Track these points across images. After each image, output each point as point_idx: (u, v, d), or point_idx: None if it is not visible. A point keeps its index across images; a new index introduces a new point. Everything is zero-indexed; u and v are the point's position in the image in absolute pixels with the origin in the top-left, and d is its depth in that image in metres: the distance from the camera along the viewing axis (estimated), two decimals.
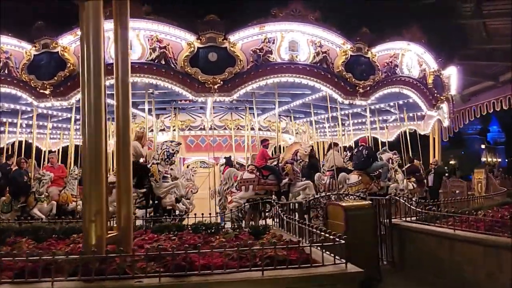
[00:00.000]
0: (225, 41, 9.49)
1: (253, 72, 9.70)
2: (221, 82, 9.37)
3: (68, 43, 9.83)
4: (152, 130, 13.18)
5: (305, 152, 11.13)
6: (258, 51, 9.67)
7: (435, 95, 12.87)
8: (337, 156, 12.38)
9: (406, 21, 11.76)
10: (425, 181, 15.91)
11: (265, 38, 9.75)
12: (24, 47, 10.07)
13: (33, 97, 10.12)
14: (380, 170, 12.19)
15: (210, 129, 13.80)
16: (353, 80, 10.50)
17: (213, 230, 6.15)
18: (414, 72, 12.02)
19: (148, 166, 9.98)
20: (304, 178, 11.00)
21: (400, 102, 13.44)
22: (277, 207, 7.60)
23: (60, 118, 13.97)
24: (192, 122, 14.59)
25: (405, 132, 15.19)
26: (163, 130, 14.42)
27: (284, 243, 4.35)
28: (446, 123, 16.15)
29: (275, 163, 10.80)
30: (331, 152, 12.91)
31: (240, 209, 9.27)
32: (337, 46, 10.50)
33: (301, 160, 11.10)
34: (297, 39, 10.01)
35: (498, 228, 6.25)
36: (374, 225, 7.67)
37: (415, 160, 15.95)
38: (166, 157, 10.09)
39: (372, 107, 13.83)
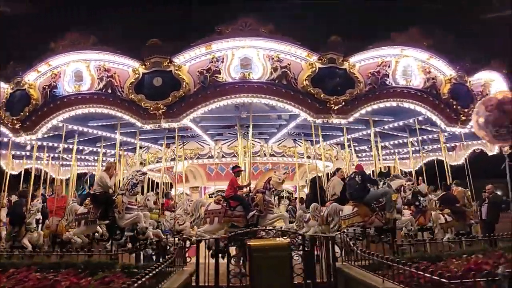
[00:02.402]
0: (170, 64, 9.01)
1: (201, 95, 8.99)
2: (165, 108, 8.83)
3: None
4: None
5: (279, 180, 9.86)
6: (205, 71, 8.97)
7: (455, 107, 10.56)
8: (339, 184, 10.79)
9: (401, 24, 9.97)
10: (479, 213, 13.11)
11: (213, 57, 9.02)
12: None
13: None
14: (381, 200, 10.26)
15: (223, 157, 13.42)
16: (322, 96, 9.09)
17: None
18: (415, 81, 10.03)
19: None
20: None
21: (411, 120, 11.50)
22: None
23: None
24: (200, 150, 14.27)
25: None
26: (173, 159, 14.32)
27: None
28: (495, 150, 14.21)
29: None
30: (334, 178, 11.40)
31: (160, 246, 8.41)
32: (301, 59, 9.26)
33: (273, 189, 9.86)
34: (250, 55, 9.07)
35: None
36: (290, 268, 6.18)
37: (455, 188, 13.28)
38: (130, 187, 9.81)
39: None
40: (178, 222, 11.63)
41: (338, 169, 11.97)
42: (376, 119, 12.69)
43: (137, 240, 9.42)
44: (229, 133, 14.05)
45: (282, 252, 6.06)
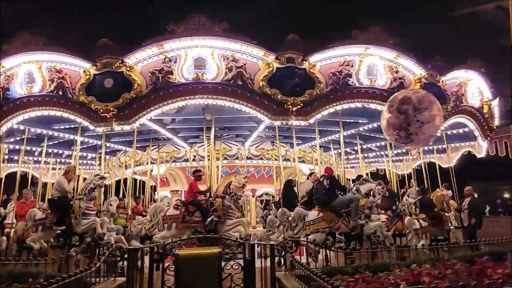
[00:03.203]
0: (121, 65, 8.70)
1: (153, 96, 8.67)
2: (115, 110, 8.53)
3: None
4: (186, 160, 13.01)
5: (239, 184, 9.51)
6: (157, 72, 8.64)
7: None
8: (309, 188, 10.42)
9: (367, 23, 9.57)
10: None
11: (166, 57, 8.69)
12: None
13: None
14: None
15: (248, 158, 13.12)
16: (279, 96, 8.72)
17: None
18: (381, 81, 9.63)
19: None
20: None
21: None
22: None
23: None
24: (228, 151, 13.81)
25: None
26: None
27: None
28: (483, 152, 14.50)
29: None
30: (305, 182, 11.08)
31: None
32: (258, 58, 8.90)
33: (233, 194, 9.51)
34: (204, 55, 8.74)
35: None
36: (218, 280, 5.80)
37: (444, 191, 12.96)
38: (87, 192, 9.54)
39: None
40: (144, 227, 11.30)
41: (311, 173, 11.63)
42: (352, 121, 12.34)
43: (98, 247, 9.13)
44: (207, 136, 13.69)
45: (210, 262, 5.70)
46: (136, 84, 8.61)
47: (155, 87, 8.62)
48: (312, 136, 13.88)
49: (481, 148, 16.30)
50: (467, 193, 12.78)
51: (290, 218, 10.18)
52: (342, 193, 9.73)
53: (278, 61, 8.85)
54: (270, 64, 8.80)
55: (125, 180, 15.57)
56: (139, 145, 14.37)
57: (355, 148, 15.18)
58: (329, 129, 12.96)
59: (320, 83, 8.99)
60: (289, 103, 8.66)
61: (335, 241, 9.99)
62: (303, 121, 9.05)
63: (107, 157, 15.65)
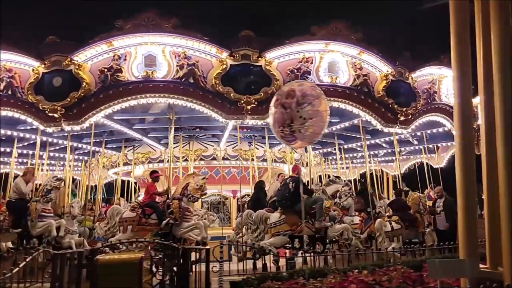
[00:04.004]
0: (70, 63, 8.45)
1: (102, 95, 8.39)
2: (63, 110, 8.27)
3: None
4: (159, 161, 12.69)
5: (196, 185, 9.22)
6: (106, 70, 8.37)
7: (391, 106, 9.85)
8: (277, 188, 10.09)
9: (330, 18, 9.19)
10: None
11: (115, 55, 8.42)
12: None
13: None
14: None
15: (224, 159, 12.83)
16: (232, 95, 8.41)
17: None
18: (343, 78, 9.24)
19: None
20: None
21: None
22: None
23: None
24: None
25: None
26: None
27: None
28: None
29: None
30: (274, 183, 10.76)
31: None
32: (212, 56, 8.60)
33: (191, 196, 9.21)
34: (155, 52, 8.44)
35: None
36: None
37: (411, 193, 12.48)
38: (44, 194, 9.35)
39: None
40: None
41: (279, 174, 11.32)
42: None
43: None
44: (183, 136, 13.41)
45: (130, 269, 5.38)
46: (84, 83, 8.34)
47: (104, 85, 8.35)
48: None
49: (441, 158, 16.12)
50: (438, 194, 12.39)
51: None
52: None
53: (232, 58, 8.53)
54: (223, 61, 8.49)
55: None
56: (114, 146, 14.16)
57: (340, 147, 14.87)
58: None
59: (277, 81, 8.65)
60: (243, 101, 8.34)
61: (302, 244, 9.66)
62: (259, 121, 8.72)
63: (85, 158, 15.44)
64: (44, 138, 12.21)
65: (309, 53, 8.97)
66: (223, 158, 13.31)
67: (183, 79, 8.37)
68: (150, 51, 8.40)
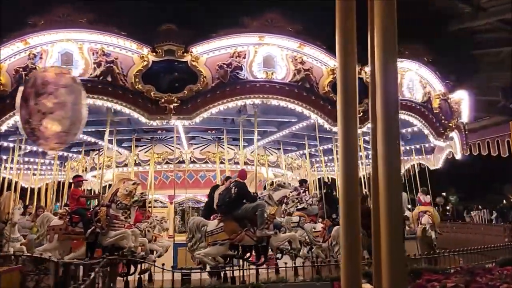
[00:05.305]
0: None
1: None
2: None
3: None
4: (126, 165, 12.27)
5: (126, 191, 8.63)
6: (21, 70, 7.93)
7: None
8: None
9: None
10: None
11: (30, 53, 7.97)
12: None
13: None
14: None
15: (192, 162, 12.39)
16: (153, 93, 7.80)
17: None
18: (280, 74, 8.48)
19: None
20: None
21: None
22: None
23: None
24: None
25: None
26: (139, 164, 13.15)
27: None
28: (458, 155, 13.58)
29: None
30: (220, 187, 10.10)
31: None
32: (133, 52, 8.02)
33: (119, 202, 8.64)
34: (72, 49, 7.94)
35: None
36: None
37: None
38: None
39: None
40: None
41: (227, 178, 10.63)
42: (286, 120, 11.26)
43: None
44: (147, 139, 12.89)
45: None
46: (0, 85, 7.92)
47: (19, 86, 7.88)
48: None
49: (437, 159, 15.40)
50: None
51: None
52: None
53: (155, 54, 7.92)
54: (144, 58, 7.90)
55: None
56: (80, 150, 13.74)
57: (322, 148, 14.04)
58: (268, 129, 11.94)
59: (204, 78, 7.99)
60: (163, 100, 7.72)
61: (244, 254, 8.99)
62: (186, 121, 8.08)
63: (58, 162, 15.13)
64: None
65: (242, 47, 8.27)
66: (191, 162, 12.75)
67: (100, 77, 7.82)
68: (66, 49, 7.91)
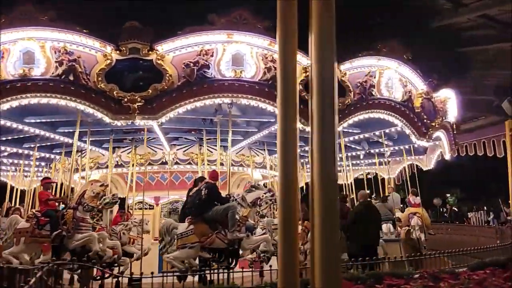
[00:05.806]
0: None
1: None
2: None
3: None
4: (107, 167, 12.00)
5: (93, 193, 8.43)
6: None
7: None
8: None
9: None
10: None
11: None
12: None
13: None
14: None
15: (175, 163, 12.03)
16: (115, 92, 7.59)
17: None
18: (249, 72, 8.25)
19: None
20: None
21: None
22: None
23: None
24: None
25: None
26: (121, 166, 12.91)
27: None
28: (447, 156, 13.36)
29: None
30: (195, 189, 9.90)
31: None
32: (97, 50, 7.81)
33: (86, 205, 8.44)
34: (33, 48, 7.74)
35: None
36: None
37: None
38: None
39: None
40: None
41: (202, 178, 10.41)
42: (265, 120, 11.04)
43: None
44: (128, 140, 12.66)
45: None
46: None
47: None
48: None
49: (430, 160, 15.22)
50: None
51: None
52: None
53: (119, 52, 7.72)
54: (108, 56, 7.69)
55: None
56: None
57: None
58: (250, 130, 11.75)
59: (170, 76, 7.78)
60: (126, 99, 7.50)
61: (220, 257, 8.77)
62: (152, 121, 7.86)
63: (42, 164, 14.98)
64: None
65: (210, 45, 8.04)
66: (175, 163, 12.53)
67: (62, 77, 7.62)
68: (28, 47, 7.71)
